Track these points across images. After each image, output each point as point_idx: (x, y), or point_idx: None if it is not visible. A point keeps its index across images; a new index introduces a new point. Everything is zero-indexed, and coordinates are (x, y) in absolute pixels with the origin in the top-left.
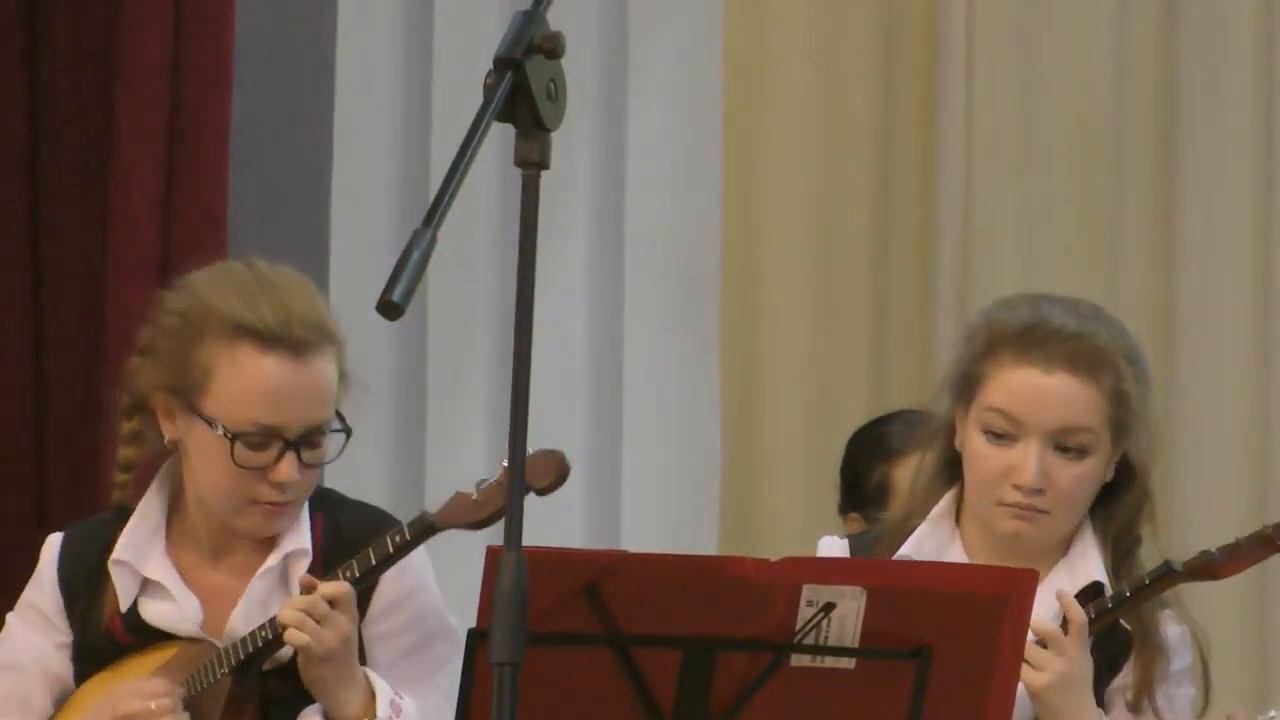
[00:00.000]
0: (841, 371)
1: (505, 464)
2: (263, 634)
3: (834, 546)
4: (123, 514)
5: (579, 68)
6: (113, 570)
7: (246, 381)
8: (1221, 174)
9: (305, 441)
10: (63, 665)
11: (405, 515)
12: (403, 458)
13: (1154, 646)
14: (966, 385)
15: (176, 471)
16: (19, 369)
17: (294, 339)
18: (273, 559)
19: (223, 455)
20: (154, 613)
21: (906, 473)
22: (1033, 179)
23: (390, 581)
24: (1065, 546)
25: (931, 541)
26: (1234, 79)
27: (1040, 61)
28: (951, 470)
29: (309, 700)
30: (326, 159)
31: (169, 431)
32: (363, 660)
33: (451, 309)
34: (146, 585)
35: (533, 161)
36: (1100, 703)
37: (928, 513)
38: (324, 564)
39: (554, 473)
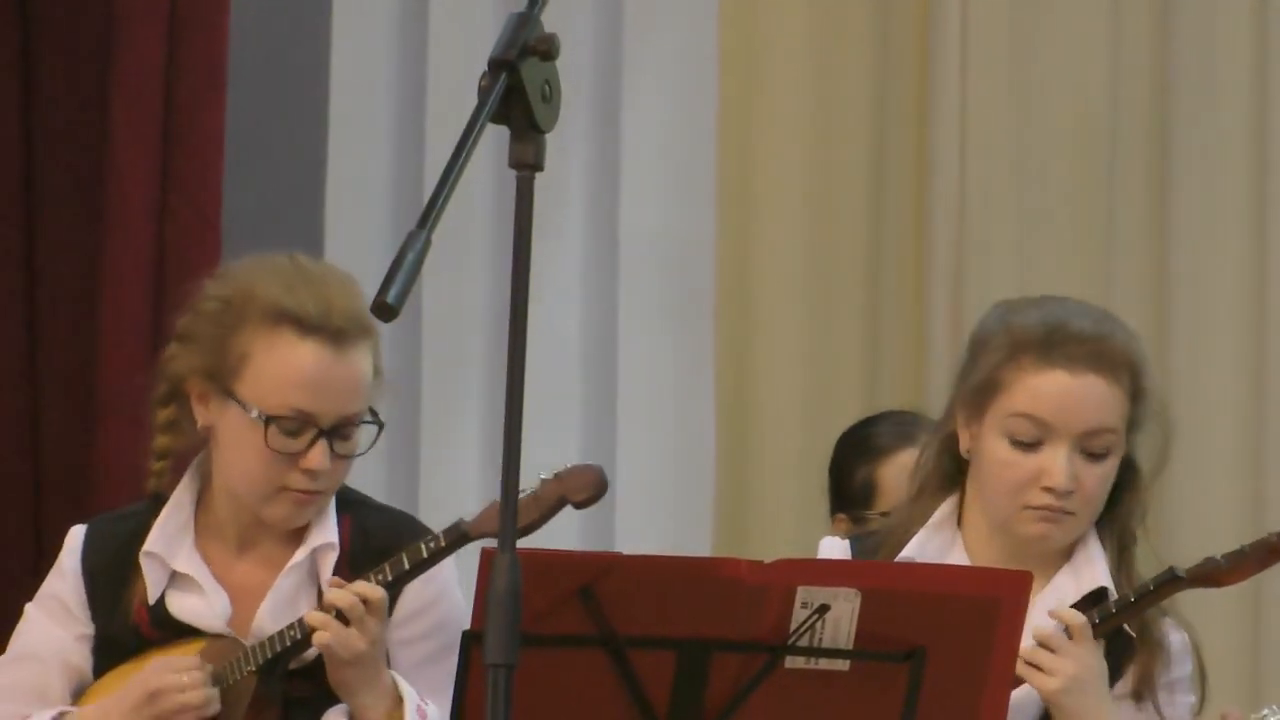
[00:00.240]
0: (836, 374)
1: (543, 476)
2: (291, 634)
3: (835, 548)
4: (157, 502)
5: (574, 70)
6: (144, 562)
7: (284, 366)
8: (1216, 177)
9: (337, 432)
10: (82, 657)
11: None
12: (397, 459)
13: (1155, 648)
14: (983, 393)
15: (207, 465)
16: (14, 369)
17: (333, 328)
18: (300, 554)
19: (256, 439)
20: (181, 607)
21: (892, 472)
22: (1027, 181)
23: (415, 588)
24: (1069, 550)
25: (933, 545)
26: (1228, 81)
27: (1035, 64)
28: (953, 478)
29: (333, 701)
30: (321, 161)
31: (202, 417)
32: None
33: (446, 311)
34: (174, 578)
35: (527, 163)
36: None
37: (927, 520)
38: (351, 565)
39: (592, 487)
